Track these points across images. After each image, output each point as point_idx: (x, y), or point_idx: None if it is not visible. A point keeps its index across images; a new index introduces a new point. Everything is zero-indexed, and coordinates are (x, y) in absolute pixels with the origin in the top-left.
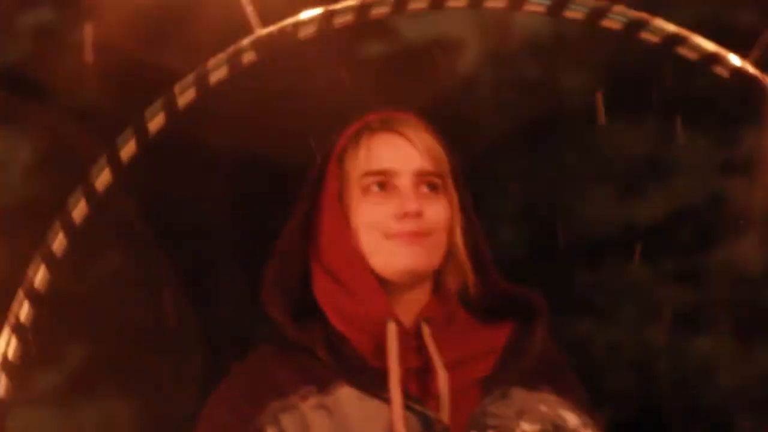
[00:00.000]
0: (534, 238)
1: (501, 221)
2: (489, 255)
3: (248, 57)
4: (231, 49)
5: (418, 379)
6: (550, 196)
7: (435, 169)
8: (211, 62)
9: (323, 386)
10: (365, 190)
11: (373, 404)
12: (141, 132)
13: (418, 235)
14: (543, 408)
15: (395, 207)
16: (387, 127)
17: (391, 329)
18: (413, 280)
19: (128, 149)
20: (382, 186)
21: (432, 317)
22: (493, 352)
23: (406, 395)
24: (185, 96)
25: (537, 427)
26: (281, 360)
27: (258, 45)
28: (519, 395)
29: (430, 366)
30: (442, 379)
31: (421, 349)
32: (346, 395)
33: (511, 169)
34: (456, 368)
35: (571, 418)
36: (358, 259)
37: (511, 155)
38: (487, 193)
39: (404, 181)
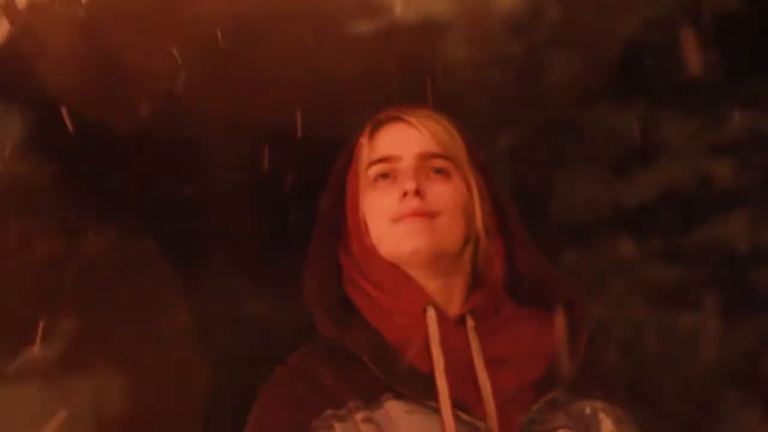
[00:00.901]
0: (521, 218)
1: None
2: (525, 238)
3: None
4: None
5: (464, 380)
6: (537, 177)
7: (441, 151)
8: None
9: (370, 400)
10: (373, 181)
11: (421, 416)
12: None
13: (421, 215)
14: (587, 411)
15: (398, 191)
16: (393, 118)
17: (431, 316)
18: (424, 262)
19: None
20: (388, 175)
21: (476, 308)
22: (542, 353)
23: (455, 403)
24: None
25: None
26: (329, 366)
27: None
28: (568, 402)
29: (474, 368)
30: (484, 383)
31: (465, 344)
32: (394, 409)
33: (499, 149)
34: (504, 367)
35: (606, 421)
36: (376, 251)
37: (497, 136)
38: None
39: (406, 164)
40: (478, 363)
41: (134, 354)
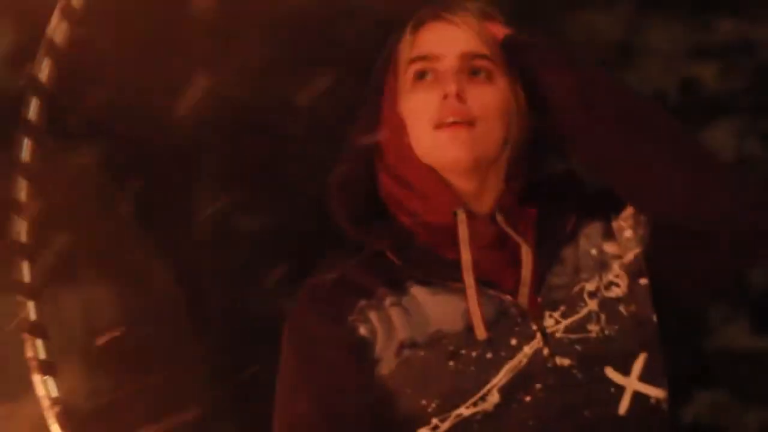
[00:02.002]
0: None
1: None
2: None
3: None
4: None
5: (494, 268)
6: None
7: (484, 50)
8: None
9: (396, 287)
10: (413, 80)
11: (446, 297)
12: None
13: (462, 126)
14: (593, 252)
15: (439, 93)
16: (436, 15)
17: (461, 218)
18: (463, 170)
19: None
20: (428, 74)
21: (506, 207)
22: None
23: (480, 281)
24: None
25: (596, 282)
26: (357, 265)
27: None
28: (568, 253)
29: (507, 252)
30: (526, 254)
31: (497, 236)
32: (420, 293)
33: None
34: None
35: (610, 247)
36: (413, 153)
37: None
38: None
39: (447, 65)
40: (518, 239)
41: (124, 266)
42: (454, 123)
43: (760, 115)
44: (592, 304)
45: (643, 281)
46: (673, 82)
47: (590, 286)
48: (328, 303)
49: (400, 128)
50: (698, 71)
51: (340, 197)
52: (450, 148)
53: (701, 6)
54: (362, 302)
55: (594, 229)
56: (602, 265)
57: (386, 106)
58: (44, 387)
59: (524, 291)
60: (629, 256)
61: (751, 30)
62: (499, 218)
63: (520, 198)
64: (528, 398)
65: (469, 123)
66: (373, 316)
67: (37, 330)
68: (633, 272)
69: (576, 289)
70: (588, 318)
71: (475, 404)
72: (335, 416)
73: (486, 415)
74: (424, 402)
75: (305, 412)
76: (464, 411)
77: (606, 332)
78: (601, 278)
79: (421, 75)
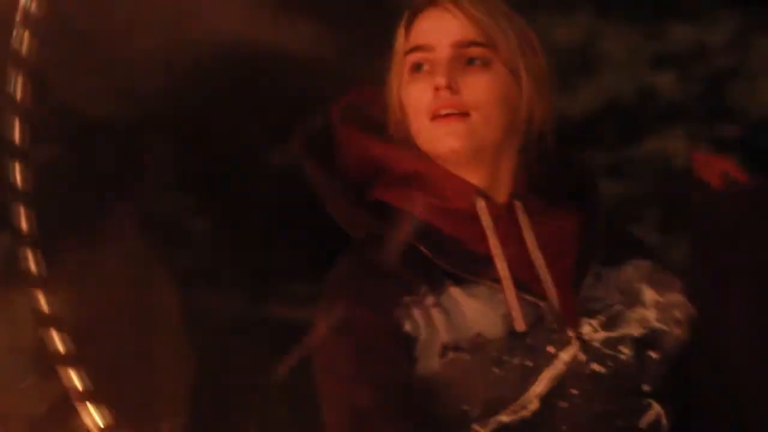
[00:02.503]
0: None
1: None
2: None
3: None
4: None
5: (520, 262)
6: None
7: (480, 38)
8: None
9: (434, 286)
10: (410, 71)
11: (484, 298)
12: None
13: (455, 117)
14: (636, 285)
15: (433, 85)
16: (431, 2)
17: (481, 206)
18: (463, 159)
19: None
20: (424, 65)
21: (522, 193)
22: (572, 236)
23: (515, 283)
24: None
25: (633, 312)
26: (396, 257)
27: None
28: (610, 275)
29: (526, 248)
30: (539, 263)
31: (516, 228)
32: (457, 293)
33: None
34: (551, 247)
35: (648, 292)
36: (417, 145)
37: None
38: None
39: (440, 55)
40: (531, 243)
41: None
42: (447, 115)
43: (714, 122)
44: (628, 329)
45: (656, 355)
46: (631, 90)
47: (629, 313)
48: (376, 295)
49: (401, 122)
50: (655, 78)
51: (352, 201)
52: (445, 140)
53: (658, 13)
54: (407, 298)
55: (644, 267)
56: (640, 302)
57: (390, 97)
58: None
59: (555, 294)
60: (663, 316)
61: (707, 37)
62: (517, 206)
63: (563, 198)
64: (564, 404)
65: (463, 114)
66: (416, 313)
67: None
68: (659, 333)
69: (616, 308)
70: (621, 340)
71: (515, 411)
72: (396, 408)
73: (524, 421)
74: (466, 407)
75: (367, 404)
76: (505, 418)
77: (633, 361)
78: (637, 312)
79: (417, 67)
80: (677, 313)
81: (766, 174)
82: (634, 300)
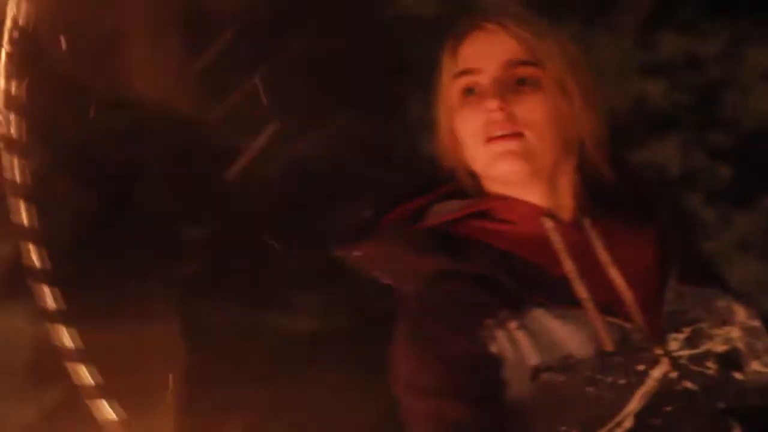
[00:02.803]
0: None
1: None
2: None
3: None
4: None
5: (597, 282)
6: None
7: (528, 57)
8: None
9: (515, 309)
10: (459, 96)
11: (568, 318)
12: None
13: (511, 138)
14: (720, 303)
15: (484, 109)
16: (474, 25)
17: (549, 226)
18: (519, 181)
19: None
20: (473, 90)
21: (589, 209)
22: (647, 252)
23: (598, 305)
24: None
25: (718, 330)
26: (472, 287)
27: None
28: (693, 293)
29: (602, 266)
30: (618, 281)
31: (588, 246)
32: (541, 315)
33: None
34: (626, 263)
35: (739, 311)
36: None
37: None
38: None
39: (488, 78)
40: (606, 261)
41: None
42: (502, 136)
43: (706, 130)
44: (711, 345)
45: (740, 376)
46: (623, 99)
47: (714, 330)
48: (459, 317)
49: (457, 148)
50: (646, 87)
51: (418, 235)
52: (502, 161)
53: (649, 23)
54: (489, 320)
55: (729, 292)
56: (729, 321)
57: (439, 123)
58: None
59: (639, 313)
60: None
61: (698, 47)
62: (586, 223)
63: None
64: (658, 422)
65: (517, 134)
66: (500, 335)
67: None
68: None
69: (700, 325)
70: (706, 356)
71: (611, 430)
72: (491, 422)
73: None
74: (563, 428)
75: (461, 418)
76: None
77: (719, 378)
78: (723, 329)
79: (467, 91)
80: (760, 345)
81: (757, 185)
82: (721, 318)
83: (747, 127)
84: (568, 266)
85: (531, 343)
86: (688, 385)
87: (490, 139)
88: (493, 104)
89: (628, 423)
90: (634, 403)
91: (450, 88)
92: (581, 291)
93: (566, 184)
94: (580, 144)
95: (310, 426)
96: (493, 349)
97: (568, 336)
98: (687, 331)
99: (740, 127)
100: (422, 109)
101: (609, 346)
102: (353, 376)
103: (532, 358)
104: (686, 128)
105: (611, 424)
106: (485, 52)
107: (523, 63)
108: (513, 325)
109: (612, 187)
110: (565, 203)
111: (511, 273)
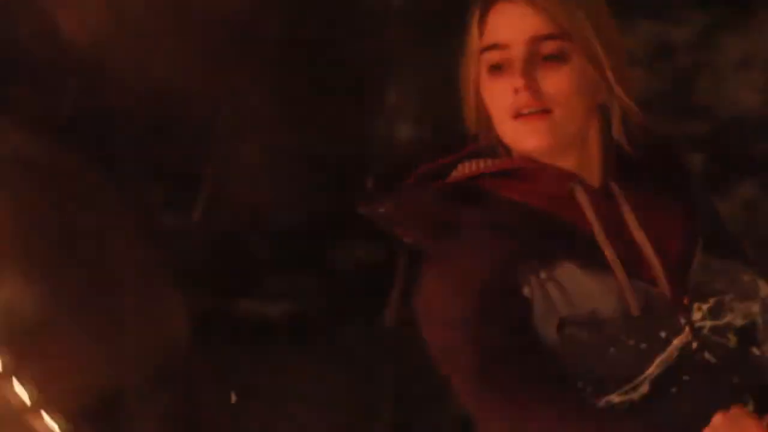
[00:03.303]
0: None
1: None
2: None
3: None
4: None
5: (624, 246)
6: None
7: (555, 29)
8: None
9: (545, 261)
10: (488, 71)
11: (596, 274)
12: None
13: (538, 116)
14: (745, 277)
15: (512, 84)
16: None
17: (580, 192)
18: (547, 153)
19: None
20: (501, 66)
21: (617, 175)
22: (675, 220)
23: (625, 267)
24: None
25: (741, 304)
26: (503, 236)
27: None
28: (718, 265)
29: (630, 230)
30: (645, 246)
31: (616, 211)
32: (570, 268)
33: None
34: (655, 230)
35: (764, 287)
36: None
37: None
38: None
39: (514, 53)
40: (633, 225)
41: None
42: (530, 114)
43: (681, 120)
44: (732, 317)
45: (758, 351)
46: None
47: (737, 303)
48: (493, 257)
49: (485, 118)
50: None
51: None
52: (530, 138)
53: (622, 10)
54: (522, 266)
55: (753, 269)
56: (752, 296)
57: (470, 95)
58: None
59: (665, 280)
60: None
61: (672, 35)
62: (615, 189)
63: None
64: (674, 389)
65: (545, 111)
66: (533, 281)
67: None
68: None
69: (725, 297)
70: (726, 328)
71: (627, 392)
72: (525, 344)
73: (631, 403)
74: (580, 384)
75: (495, 342)
76: (615, 398)
77: (737, 352)
78: (745, 303)
79: (495, 66)
80: None
81: (732, 173)
82: (744, 292)
83: (721, 115)
84: (597, 227)
85: (559, 294)
86: (707, 356)
87: (518, 116)
88: (520, 82)
89: (644, 388)
90: (652, 369)
91: (477, 62)
92: (609, 252)
93: (595, 148)
94: (610, 109)
95: (285, 412)
96: (526, 291)
97: (596, 293)
98: (711, 302)
99: (714, 115)
100: (398, 98)
101: (635, 310)
102: (324, 359)
103: (561, 310)
104: (660, 116)
105: (627, 387)
106: (512, 26)
107: (550, 37)
108: (543, 275)
109: (641, 157)
110: (594, 167)
111: (541, 227)
